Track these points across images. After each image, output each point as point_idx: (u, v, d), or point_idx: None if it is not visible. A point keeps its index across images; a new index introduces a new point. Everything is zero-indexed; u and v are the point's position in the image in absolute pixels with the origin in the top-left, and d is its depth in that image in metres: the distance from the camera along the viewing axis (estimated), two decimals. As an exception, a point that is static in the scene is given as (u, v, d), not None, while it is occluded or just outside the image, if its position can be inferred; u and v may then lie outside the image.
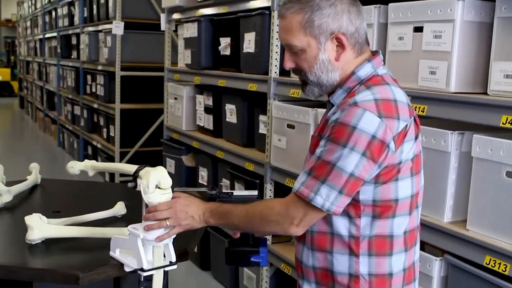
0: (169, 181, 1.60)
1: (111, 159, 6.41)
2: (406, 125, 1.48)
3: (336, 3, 1.52)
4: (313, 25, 1.52)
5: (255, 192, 1.78)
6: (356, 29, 1.55)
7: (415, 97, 2.22)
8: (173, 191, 1.67)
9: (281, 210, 1.53)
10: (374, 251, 1.53)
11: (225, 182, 3.83)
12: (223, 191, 1.77)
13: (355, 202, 1.50)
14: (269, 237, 3.28)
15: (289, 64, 1.61)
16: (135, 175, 1.67)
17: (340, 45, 1.54)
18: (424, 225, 2.14)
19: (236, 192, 1.77)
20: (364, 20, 1.58)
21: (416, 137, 1.53)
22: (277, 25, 3.01)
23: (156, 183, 1.58)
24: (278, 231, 1.60)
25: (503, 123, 1.88)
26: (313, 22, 1.52)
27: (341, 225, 1.53)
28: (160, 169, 1.61)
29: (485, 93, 2.06)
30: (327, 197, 1.45)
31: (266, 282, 3.34)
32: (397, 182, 1.50)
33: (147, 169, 1.62)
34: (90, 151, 7.55)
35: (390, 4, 2.36)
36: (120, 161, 6.19)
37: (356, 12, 1.55)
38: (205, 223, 1.65)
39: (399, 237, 1.55)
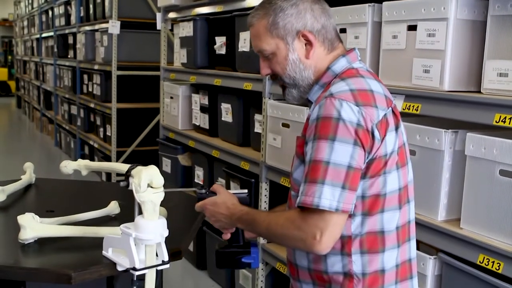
0: (160, 180, 1.60)
1: (107, 158, 6.40)
2: (385, 113, 1.48)
3: (298, 3, 1.57)
4: (278, 27, 1.57)
5: (245, 191, 1.77)
6: (322, 26, 1.59)
7: (409, 96, 2.22)
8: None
9: (296, 229, 1.46)
10: (366, 248, 1.52)
11: (221, 181, 3.82)
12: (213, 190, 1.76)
13: None
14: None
15: (265, 71, 1.65)
16: (128, 174, 1.66)
17: (308, 43, 1.58)
18: (418, 224, 2.13)
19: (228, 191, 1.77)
20: (331, 17, 1.62)
21: (397, 128, 1.52)
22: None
23: (148, 182, 1.58)
24: (301, 248, 1.53)
25: (496, 122, 1.88)
26: (278, 23, 1.57)
27: None
28: (151, 168, 1.60)
29: (479, 92, 2.05)
30: (333, 197, 1.40)
31: (261, 281, 3.34)
32: (385, 175, 1.49)
33: (139, 168, 1.61)
34: (86, 150, 7.55)
35: (384, 3, 2.36)
36: (117, 160, 6.18)
37: (320, 10, 1.59)
38: (234, 226, 1.72)
39: (390, 233, 1.54)
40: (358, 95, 1.46)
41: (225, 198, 1.71)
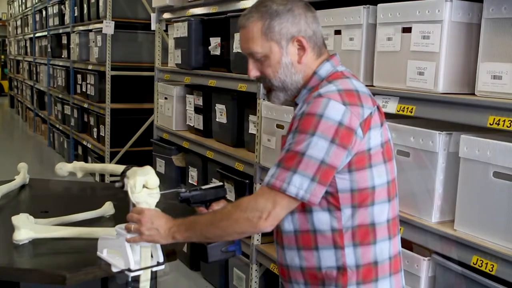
0: (156, 181, 1.60)
1: (101, 159, 6.39)
2: (371, 112, 1.53)
3: (294, 9, 1.61)
4: (273, 31, 1.60)
5: (221, 183, 1.79)
6: (313, 33, 1.63)
7: (403, 98, 2.23)
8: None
9: (249, 204, 1.51)
10: (359, 241, 1.56)
11: (215, 182, 3.82)
12: (192, 187, 1.75)
13: (334, 194, 1.53)
14: (258, 237, 3.28)
15: (253, 73, 1.66)
16: (123, 175, 1.66)
17: (301, 48, 1.62)
18: (412, 225, 2.15)
19: (205, 186, 1.77)
20: (319, 25, 1.67)
21: (382, 124, 1.57)
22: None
23: (143, 183, 1.58)
24: (247, 229, 1.55)
25: (490, 124, 1.89)
26: (274, 27, 1.60)
27: (322, 220, 1.55)
28: (147, 169, 1.61)
29: (473, 94, 2.06)
30: (301, 186, 1.46)
31: (255, 282, 3.34)
32: (371, 168, 1.53)
33: (134, 169, 1.62)
34: (80, 151, 7.52)
35: (379, 5, 2.37)
36: (111, 161, 6.16)
37: (312, 17, 1.64)
38: (171, 239, 1.60)
39: (382, 225, 1.58)
40: (345, 95, 1.51)
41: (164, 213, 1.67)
